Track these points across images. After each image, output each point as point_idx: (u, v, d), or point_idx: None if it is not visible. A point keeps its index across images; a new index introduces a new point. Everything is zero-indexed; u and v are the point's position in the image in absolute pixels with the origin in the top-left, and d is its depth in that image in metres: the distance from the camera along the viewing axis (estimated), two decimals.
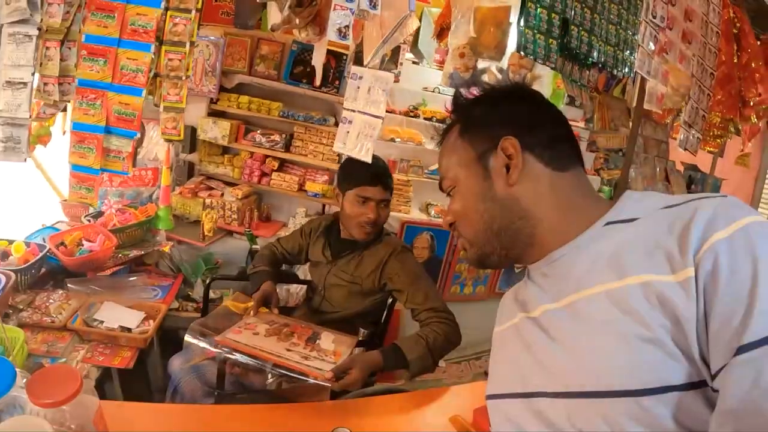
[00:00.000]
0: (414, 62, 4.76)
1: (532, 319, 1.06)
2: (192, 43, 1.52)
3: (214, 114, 4.73)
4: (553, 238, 1.04)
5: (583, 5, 2.40)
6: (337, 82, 4.51)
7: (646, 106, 2.71)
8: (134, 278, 3.12)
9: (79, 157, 1.51)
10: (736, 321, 0.73)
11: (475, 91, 1.22)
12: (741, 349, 0.72)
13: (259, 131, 4.70)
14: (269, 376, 2.02)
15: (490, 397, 1.15)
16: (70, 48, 1.51)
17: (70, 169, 1.55)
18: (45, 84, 1.50)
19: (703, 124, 3.09)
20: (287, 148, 4.70)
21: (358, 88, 1.84)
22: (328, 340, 2.11)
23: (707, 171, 4.54)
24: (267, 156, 4.75)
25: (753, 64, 3.33)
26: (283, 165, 4.82)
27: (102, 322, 2.47)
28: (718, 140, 4.23)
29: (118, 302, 2.67)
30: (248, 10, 3.92)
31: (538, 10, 2.17)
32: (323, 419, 1.70)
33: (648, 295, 0.83)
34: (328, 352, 2.00)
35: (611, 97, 3.74)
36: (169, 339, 2.76)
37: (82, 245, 2.98)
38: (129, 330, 2.48)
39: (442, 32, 3.36)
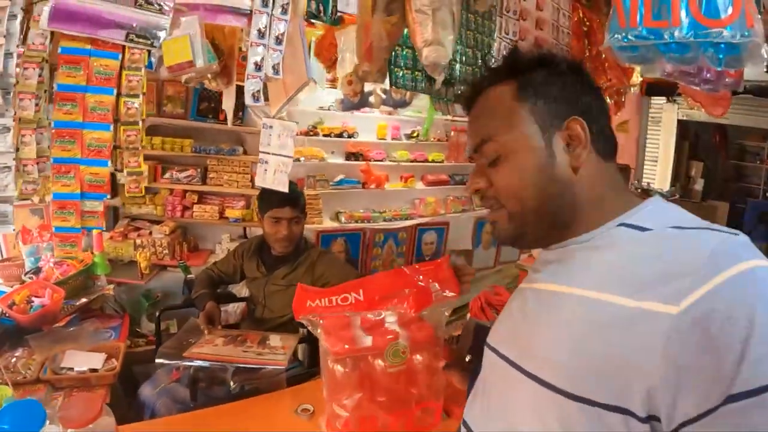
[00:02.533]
0: None
1: (532, 290, 1.06)
2: (143, 121, 1.91)
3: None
4: (580, 228, 1.00)
5: None
6: (240, 114, 4.71)
7: None
8: (86, 324, 3.22)
9: (62, 220, 1.82)
10: (727, 370, 0.70)
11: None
12: (731, 398, 0.69)
13: (175, 168, 4.88)
14: (232, 383, 2.30)
15: (488, 346, 1.14)
16: (42, 133, 1.85)
17: (54, 230, 1.87)
18: (24, 165, 1.81)
19: None
20: (203, 180, 4.92)
21: (270, 135, 2.19)
22: (276, 339, 2.44)
23: None
24: (186, 191, 4.93)
25: (603, 55, 3.53)
26: (202, 197, 5.00)
27: (71, 368, 2.59)
28: None
29: (78, 349, 2.77)
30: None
31: (405, 51, 2.56)
32: (286, 402, 2.01)
33: (618, 317, 0.81)
34: (278, 348, 2.35)
35: None
36: (126, 376, 2.85)
37: (32, 302, 3.07)
38: (96, 370, 2.60)
39: (321, 55, 3.54)
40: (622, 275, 0.86)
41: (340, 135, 5.40)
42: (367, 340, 1.59)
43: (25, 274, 3.55)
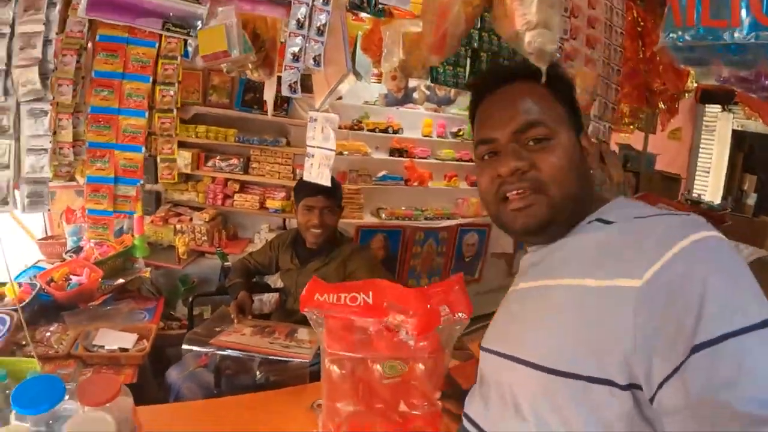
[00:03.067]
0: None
1: (516, 291, 1.16)
2: (177, 109, 1.92)
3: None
4: (570, 225, 1.09)
5: (490, 33, 2.72)
6: (285, 105, 4.77)
7: None
8: (121, 305, 3.29)
9: (95, 203, 1.85)
10: (689, 324, 0.78)
11: None
12: (695, 349, 0.76)
13: (218, 157, 4.93)
14: (257, 373, 2.28)
15: (482, 348, 1.24)
16: (79, 118, 1.87)
17: (87, 213, 1.89)
18: (60, 148, 1.85)
19: (614, 115, 3.27)
20: (246, 170, 4.95)
21: (315, 128, 2.17)
22: (304, 332, 2.41)
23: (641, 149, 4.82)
24: (228, 179, 4.97)
25: (658, 57, 3.49)
26: (243, 186, 5.04)
27: (102, 346, 2.69)
28: (631, 126, 4.53)
29: (111, 328, 2.86)
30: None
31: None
32: (306, 396, 1.97)
33: (593, 297, 0.91)
34: (305, 341, 2.32)
35: None
36: (158, 357, 2.93)
37: (70, 280, 3.19)
38: (127, 350, 2.70)
39: (369, 50, 3.48)
40: (593, 260, 0.97)
41: (384, 130, 5.34)
42: (367, 346, 1.56)
43: (66, 252, 3.68)
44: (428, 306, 1.52)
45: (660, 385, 0.80)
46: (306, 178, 2.23)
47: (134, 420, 1.47)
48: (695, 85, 4.08)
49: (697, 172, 7.52)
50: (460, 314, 1.52)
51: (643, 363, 0.83)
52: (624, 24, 3.09)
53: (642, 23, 3.37)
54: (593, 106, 3.11)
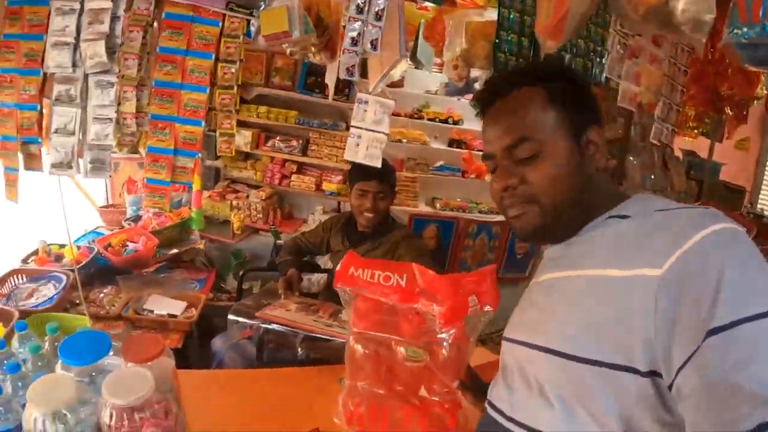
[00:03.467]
0: (416, 67, 4.87)
1: (538, 283, 1.21)
2: (239, 86, 1.98)
3: (236, 124, 5.00)
4: (586, 221, 1.13)
5: None
6: (346, 91, 4.77)
7: (620, 104, 2.92)
8: (174, 273, 3.47)
9: (154, 173, 1.92)
10: (705, 310, 0.81)
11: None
12: (709, 333, 0.80)
13: (278, 138, 5.01)
14: (299, 349, 2.31)
15: (503, 338, 1.26)
16: (142, 90, 1.94)
17: (145, 182, 1.97)
18: (124, 119, 1.93)
19: (678, 118, 3.27)
20: (304, 152, 5.01)
21: (365, 111, 2.22)
22: (347, 314, 2.48)
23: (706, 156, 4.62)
24: (286, 160, 5.04)
25: (727, 60, 3.38)
26: (301, 167, 5.10)
27: (152, 311, 2.82)
28: (695, 131, 4.32)
29: (162, 294, 3.01)
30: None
31: (510, 36, 2.48)
32: (343, 375, 2.07)
33: (617, 287, 0.94)
34: (348, 322, 2.38)
35: (608, 89, 3.66)
36: (205, 326, 3.03)
37: (127, 246, 3.35)
38: (175, 316, 2.82)
39: (432, 38, 3.52)
40: (614, 252, 1.01)
41: (445, 121, 5.29)
42: (393, 328, 1.59)
43: (125, 220, 3.84)
44: (457, 295, 1.54)
45: (678, 371, 0.84)
46: (347, 157, 2.27)
47: (173, 381, 1.52)
48: (766, 92, 3.90)
49: (763, 186, 7.13)
50: (487, 307, 1.54)
51: (663, 350, 0.86)
52: None
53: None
54: (657, 106, 3.10)
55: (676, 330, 0.84)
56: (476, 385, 1.57)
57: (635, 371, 0.90)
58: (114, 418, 1.20)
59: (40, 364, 1.38)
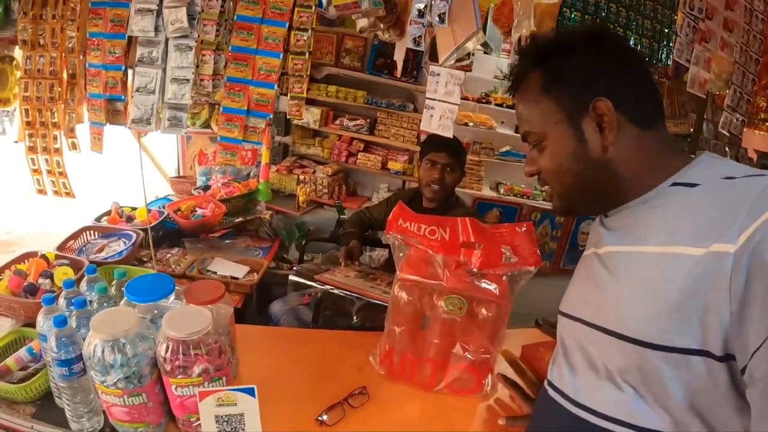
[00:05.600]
0: (485, 52, 4.71)
1: (597, 255, 1.12)
2: (310, 53, 2.07)
3: (306, 102, 5.07)
4: (632, 194, 1.06)
5: (618, 4, 2.60)
6: (414, 72, 4.83)
7: (689, 90, 2.79)
8: (239, 240, 3.58)
9: (227, 131, 2.02)
10: None
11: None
12: None
13: (346, 116, 5.12)
14: (355, 316, 2.34)
15: (561, 313, 1.23)
16: (220, 55, 2.02)
17: (219, 140, 2.07)
18: (201, 80, 2.02)
19: (749, 108, 3.15)
20: (371, 131, 5.10)
21: (437, 83, 2.25)
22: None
23: None
24: (353, 138, 5.16)
25: None
26: (367, 146, 5.20)
27: (215, 272, 2.94)
28: (766, 124, 4.20)
29: (226, 258, 3.13)
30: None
31: (573, 14, 2.45)
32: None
33: (689, 265, 0.86)
34: None
35: (681, 83, 3.62)
36: (265, 291, 3.12)
37: (196, 212, 3.51)
38: (237, 278, 2.93)
39: (499, 21, 3.56)
40: (683, 227, 0.92)
41: (512, 106, 5.06)
42: (436, 278, 1.65)
43: (195, 189, 4.02)
44: (491, 242, 1.60)
45: (753, 354, 0.79)
46: (423, 128, 2.29)
47: (230, 327, 1.62)
48: None
49: None
50: (527, 267, 1.60)
51: (739, 331, 0.80)
52: (767, 10, 2.91)
53: None
54: (727, 95, 3.00)
55: (751, 311, 0.79)
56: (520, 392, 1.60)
57: (711, 355, 0.85)
58: (170, 351, 1.28)
59: (105, 304, 1.46)
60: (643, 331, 0.92)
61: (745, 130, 3.18)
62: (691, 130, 4.44)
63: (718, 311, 0.82)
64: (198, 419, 1.30)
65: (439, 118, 2.26)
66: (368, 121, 5.10)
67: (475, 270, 1.62)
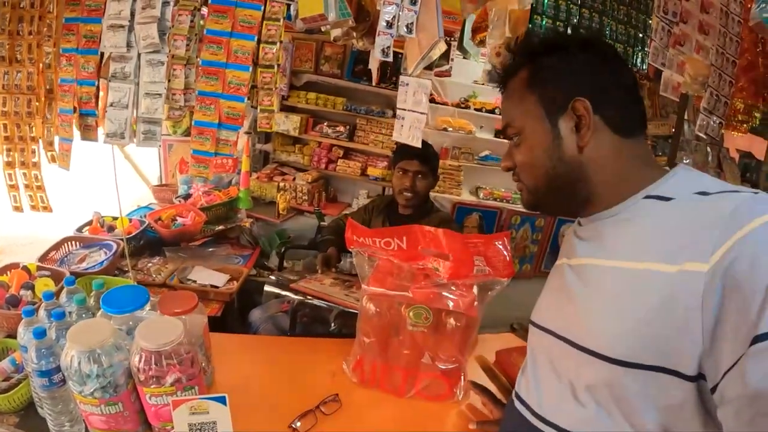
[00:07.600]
0: (464, 57, 4.84)
1: (570, 266, 1.11)
2: (278, 65, 2.10)
3: (286, 109, 5.17)
4: (603, 202, 1.06)
5: (591, 10, 2.59)
6: (394, 79, 4.82)
7: (662, 93, 2.90)
8: (220, 248, 3.58)
9: (199, 144, 2.05)
10: (753, 313, 0.74)
11: None
12: (757, 339, 0.73)
13: (325, 123, 5.15)
14: (332, 323, 2.38)
15: (532, 323, 1.23)
16: (190, 69, 2.07)
17: (191, 153, 2.09)
18: (173, 94, 2.05)
19: (726, 110, 3.18)
20: (351, 137, 5.14)
21: (407, 92, 2.30)
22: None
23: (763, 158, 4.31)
24: (333, 145, 5.20)
25: None
26: (347, 153, 5.24)
27: (194, 281, 2.94)
28: (744, 125, 4.24)
29: (207, 267, 3.13)
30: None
31: (544, 21, 2.42)
32: None
33: (660, 282, 0.86)
34: None
35: (658, 83, 3.45)
36: (246, 300, 3.12)
37: (176, 220, 3.50)
38: (217, 287, 2.92)
39: (476, 30, 3.49)
40: (656, 243, 0.91)
41: (491, 111, 5.27)
42: (402, 290, 1.68)
43: (176, 197, 4.01)
44: (463, 251, 1.62)
45: (723, 375, 0.78)
46: (395, 138, 2.33)
47: (204, 336, 1.65)
48: None
49: None
50: (499, 278, 1.62)
51: (710, 351, 0.80)
52: (742, 12, 2.90)
53: None
54: (703, 97, 2.99)
55: (723, 331, 0.78)
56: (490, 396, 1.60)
57: (681, 375, 0.85)
58: (143, 361, 1.32)
59: (84, 315, 1.50)
60: (613, 347, 0.92)
61: (723, 132, 3.22)
62: (672, 131, 4.45)
63: (690, 330, 0.81)
64: (173, 427, 1.33)
65: (408, 127, 2.29)
66: (348, 127, 5.14)
67: (444, 281, 1.66)
